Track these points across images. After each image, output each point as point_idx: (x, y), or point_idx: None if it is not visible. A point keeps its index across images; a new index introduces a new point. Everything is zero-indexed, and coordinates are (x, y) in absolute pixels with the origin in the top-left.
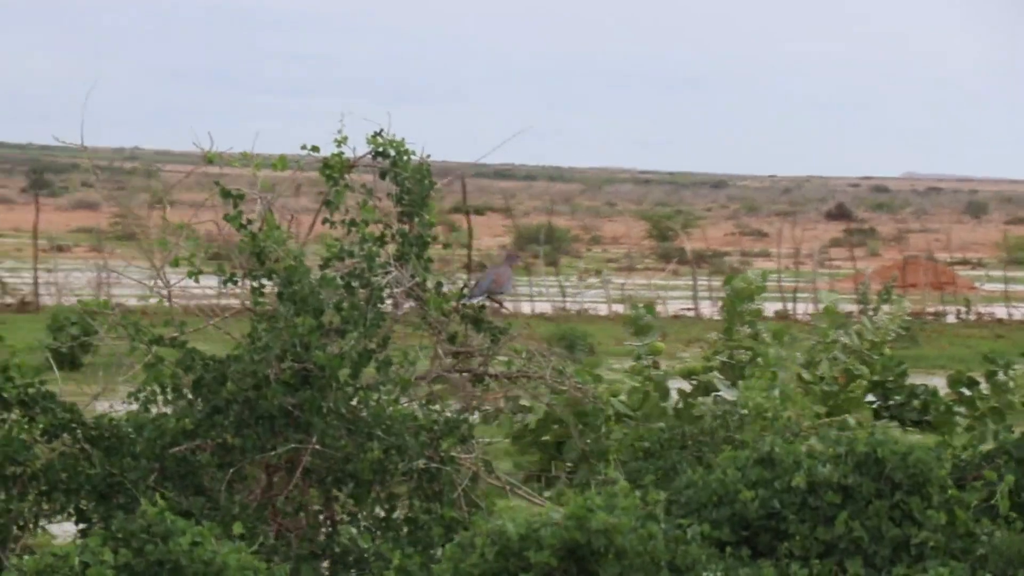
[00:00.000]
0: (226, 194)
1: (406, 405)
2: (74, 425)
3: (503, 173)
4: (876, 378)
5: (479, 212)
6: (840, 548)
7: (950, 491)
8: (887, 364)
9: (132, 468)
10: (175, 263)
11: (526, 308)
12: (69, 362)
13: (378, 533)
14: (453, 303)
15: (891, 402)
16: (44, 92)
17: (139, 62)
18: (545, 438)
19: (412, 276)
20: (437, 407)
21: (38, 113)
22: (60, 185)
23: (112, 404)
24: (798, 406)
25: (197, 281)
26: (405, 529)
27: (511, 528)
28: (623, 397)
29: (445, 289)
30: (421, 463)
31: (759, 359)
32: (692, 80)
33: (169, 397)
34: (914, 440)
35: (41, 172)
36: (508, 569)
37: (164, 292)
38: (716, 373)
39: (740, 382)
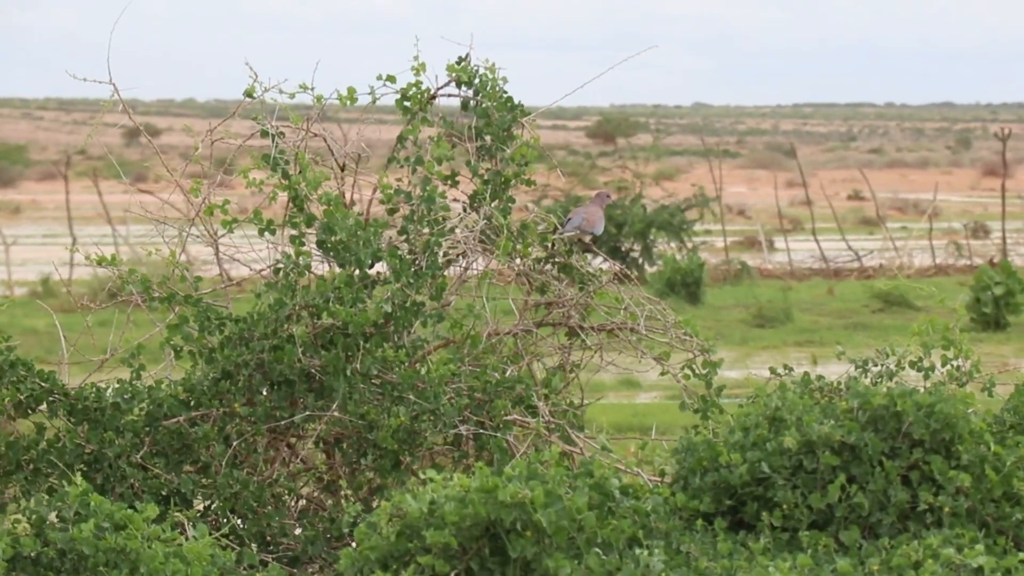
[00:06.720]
0: (266, 133)
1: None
2: (53, 397)
3: None
4: None
5: None
6: (837, 517)
7: (992, 447)
8: None
9: (112, 443)
10: (208, 212)
11: None
12: None
13: None
14: (535, 247)
15: None
16: None
17: None
18: None
19: (486, 219)
20: (497, 365)
21: None
22: None
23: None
24: None
25: (231, 231)
26: None
27: (412, 504)
28: None
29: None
30: (464, 429)
31: None
32: None
33: (198, 361)
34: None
35: None
36: (410, 551)
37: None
38: None
39: None
